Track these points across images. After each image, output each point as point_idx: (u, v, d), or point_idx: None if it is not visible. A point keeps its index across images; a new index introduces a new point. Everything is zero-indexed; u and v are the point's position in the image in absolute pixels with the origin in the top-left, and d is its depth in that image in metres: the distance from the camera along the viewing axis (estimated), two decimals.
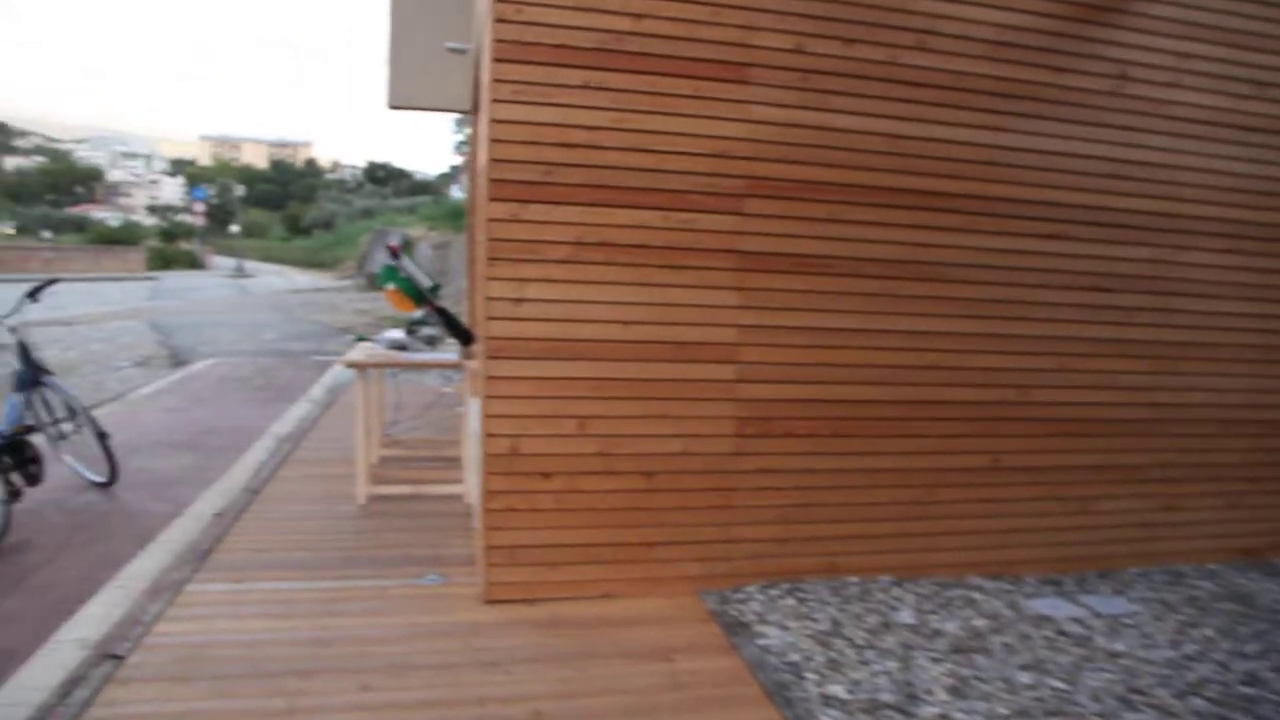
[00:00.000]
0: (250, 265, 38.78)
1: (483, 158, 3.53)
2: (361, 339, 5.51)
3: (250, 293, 25.59)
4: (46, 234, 49.96)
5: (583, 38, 3.48)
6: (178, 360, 11.27)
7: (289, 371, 10.14)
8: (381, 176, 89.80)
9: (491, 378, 3.52)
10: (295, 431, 6.71)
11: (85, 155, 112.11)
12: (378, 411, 5.85)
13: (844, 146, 3.78)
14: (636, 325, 3.65)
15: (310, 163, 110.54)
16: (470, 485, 4.98)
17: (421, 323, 5.50)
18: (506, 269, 3.49)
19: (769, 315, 3.78)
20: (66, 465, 5.12)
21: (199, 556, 4.03)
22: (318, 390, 8.76)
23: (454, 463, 5.83)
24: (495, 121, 3.43)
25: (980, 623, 3.59)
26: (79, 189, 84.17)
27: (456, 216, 39.25)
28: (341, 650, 3.16)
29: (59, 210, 66.03)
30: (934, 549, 4.10)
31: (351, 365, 4.80)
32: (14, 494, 4.31)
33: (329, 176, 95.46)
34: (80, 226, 52.87)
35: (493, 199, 3.45)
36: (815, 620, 3.53)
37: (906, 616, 3.61)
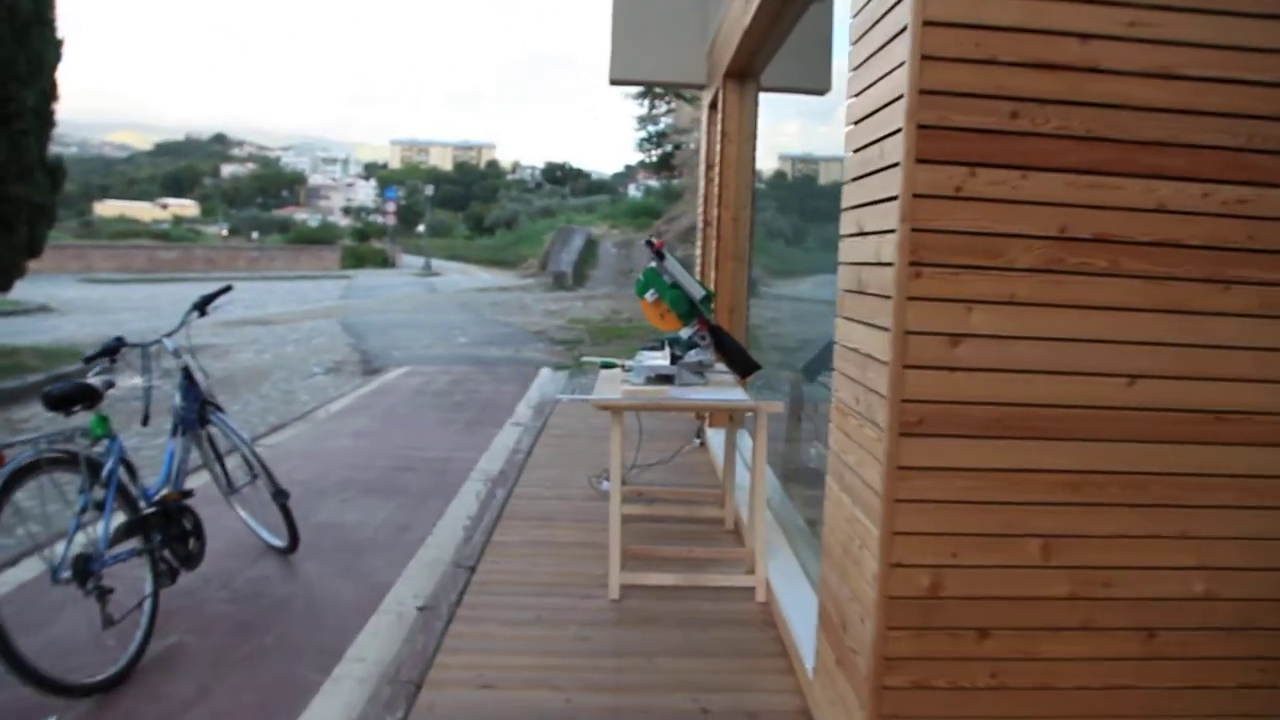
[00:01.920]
0: (437, 263, 39.31)
1: (898, 88, 2.02)
2: (609, 365, 4.14)
3: (438, 291, 25.41)
4: (255, 234, 52.83)
5: None
6: (370, 366, 10.48)
7: (488, 384, 9.07)
8: (559, 176, 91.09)
9: (902, 468, 2.01)
10: (506, 469, 5.48)
11: (290, 161, 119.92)
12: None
13: None
14: (1147, 381, 2.05)
15: (492, 164, 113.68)
16: (762, 574, 3.52)
17: (688, 344, 4.08)
18: (938, 283, 1.96)
19: None
20: (239, 520, 4.02)
21: (403, 692, 2.74)
22: (523, 410, 7.58)
23: (717, 528, 4.39)
24: (928, 25, 1.92)
25: None
26: (284, 193, 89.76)
27: (636, 214, 38.61)
28: None
29: (266, 212, 70.34)
30: None
31: (608, 407, 3.43)
32: (166, 576, 3.17)
33: (510, 177, 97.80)
34: (284, 228, 55.69)
35: (920, 159, 1.94)
36: None
37: None
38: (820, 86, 6.65)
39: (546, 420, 6.88)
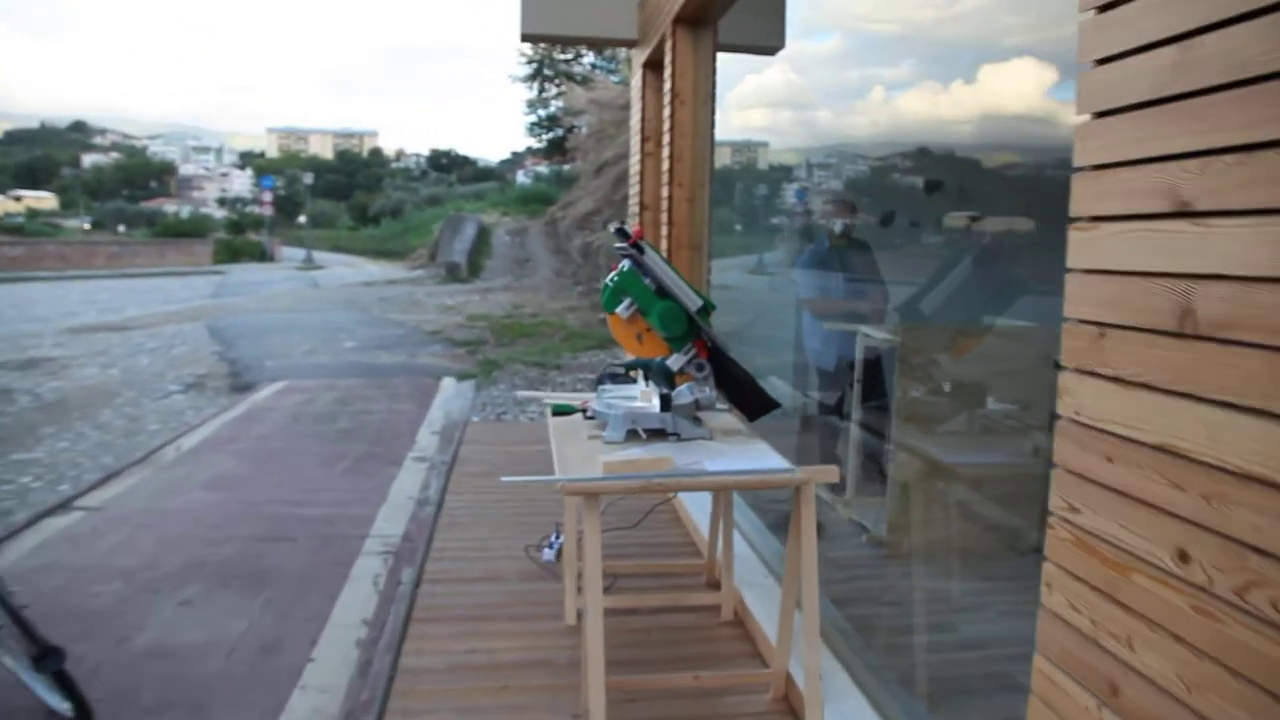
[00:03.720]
0: (319, 256, 36.94)
1: None
2: (563, 410, 2.88)
3: (321, 286, 23.46)
4: (121, 228, 49.04)
5: None
6: (239, 381, 8.91)
7: (381, 401, 7.67)
8: (445, 164, 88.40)
9: None
10: (412, 531, 4.20)
11: (159, 151, 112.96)
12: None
13: None
14: None
15: (375, 152, 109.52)
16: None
17: (662, 374, 2.88)
18: None
19: None
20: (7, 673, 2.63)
21: None
22: (427, 437, 6.25)
23: (712, 620, 3.23)
24: None
25: None
26: (153, 184, 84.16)
27: (528, 201, 37.08)
28: None
29: (133, 205, 65.52)
30: None
31: (585, 493, 2.20)
32: None
33: (394, 165, 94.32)
34: (153, 220, 51.89)
35: None
36: None
37: None
38: (773, 44, 5.56)
39: (457, 450, 5.58)
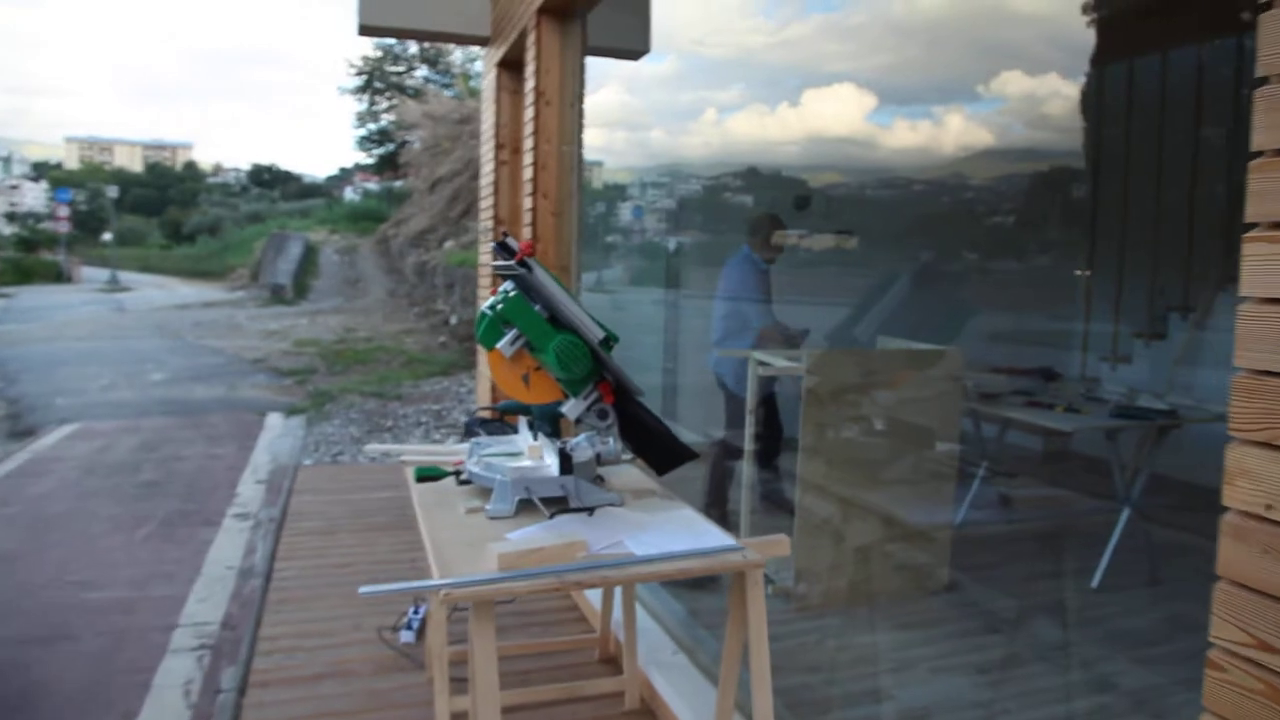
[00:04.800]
0: (126, 276, 34.00)
1: None
2: (430, 474, 2.23)
3: (127, 310, 21.34)
4: None
5: None
6: (19, 426, 7.64)
7: (194, 444, 6.69)
8: (268, 179, 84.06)
9: None
10: (235, 616, 3.44)
11: None
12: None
13: None
14: None
15: (190, 165, 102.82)
16: None
17: (548, 418, 2.33)
18: None
19: None
20: None
21: None
22: (250, 486, 5.40)
23: (614, 709, 2.68)
24: None
25: None
26: None
27: (358, 219, 35.48)
28: None
29: None
30: None
31: (471, 599, 1.61)
32: None
33: (211, 180, 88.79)
34: None
35: None
36: None
37: None
38: (639, 47, 5.15)
39: (287, 503, 4.79)
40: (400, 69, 35.19)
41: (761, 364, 3.72)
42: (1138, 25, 5.85)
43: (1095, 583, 3.89)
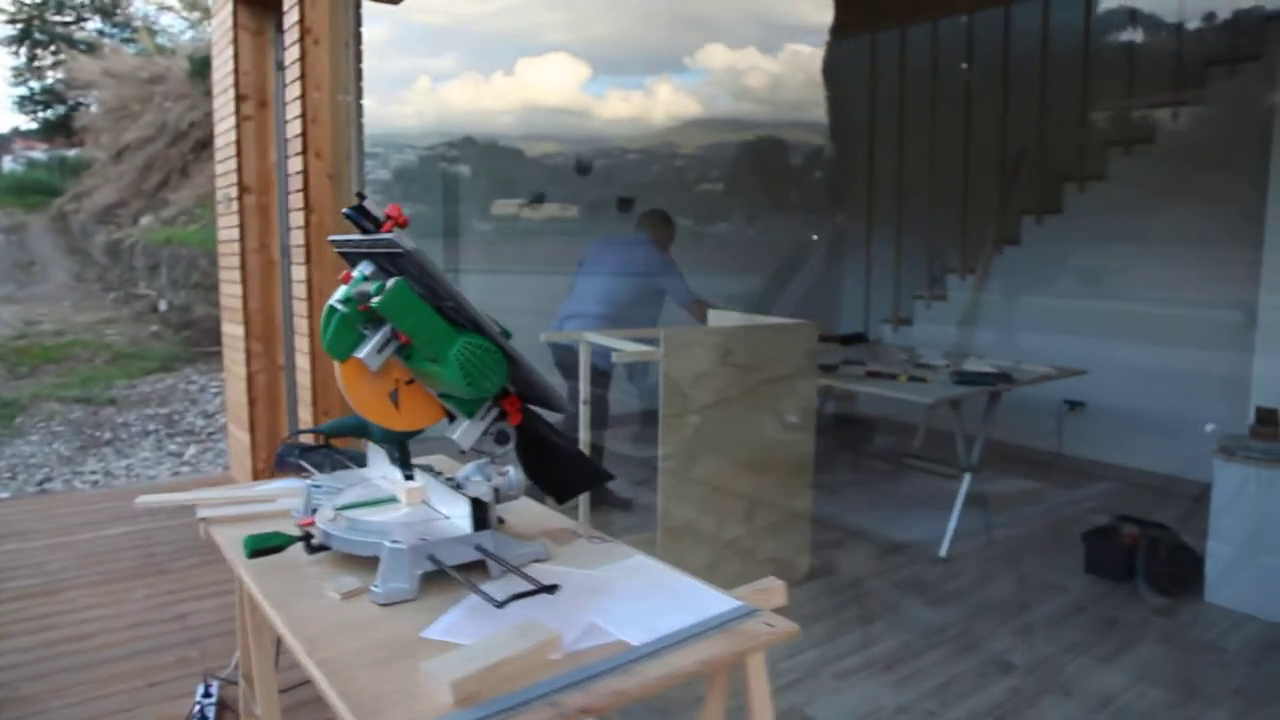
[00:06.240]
0: None
1: None
2: (268, 544, 1.55)
3: None
4: None
5: None
6: None
7: None
8: None
9: None
10: None
11: None
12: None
13: None
14: None
15: None
16: None
17: (395, 442, 1.75)
18: None
19: None
20: None
21: None
22: None
23: None
24: None
25: None
26: None
27: (23, 192, 30.70)
28: None
29: None
30: None
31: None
32: None
33: None
34: None
35: None
36: None
37: None
38: None
39: None
40: (68, 19, 30.71)
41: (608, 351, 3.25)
42: None
43: (943, 552, 3.82)
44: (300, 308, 3.69)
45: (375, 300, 1.38)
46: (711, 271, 6.48)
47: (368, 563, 1.45)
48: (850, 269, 6.90)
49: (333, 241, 1.62)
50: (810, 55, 7.13)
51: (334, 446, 2.05)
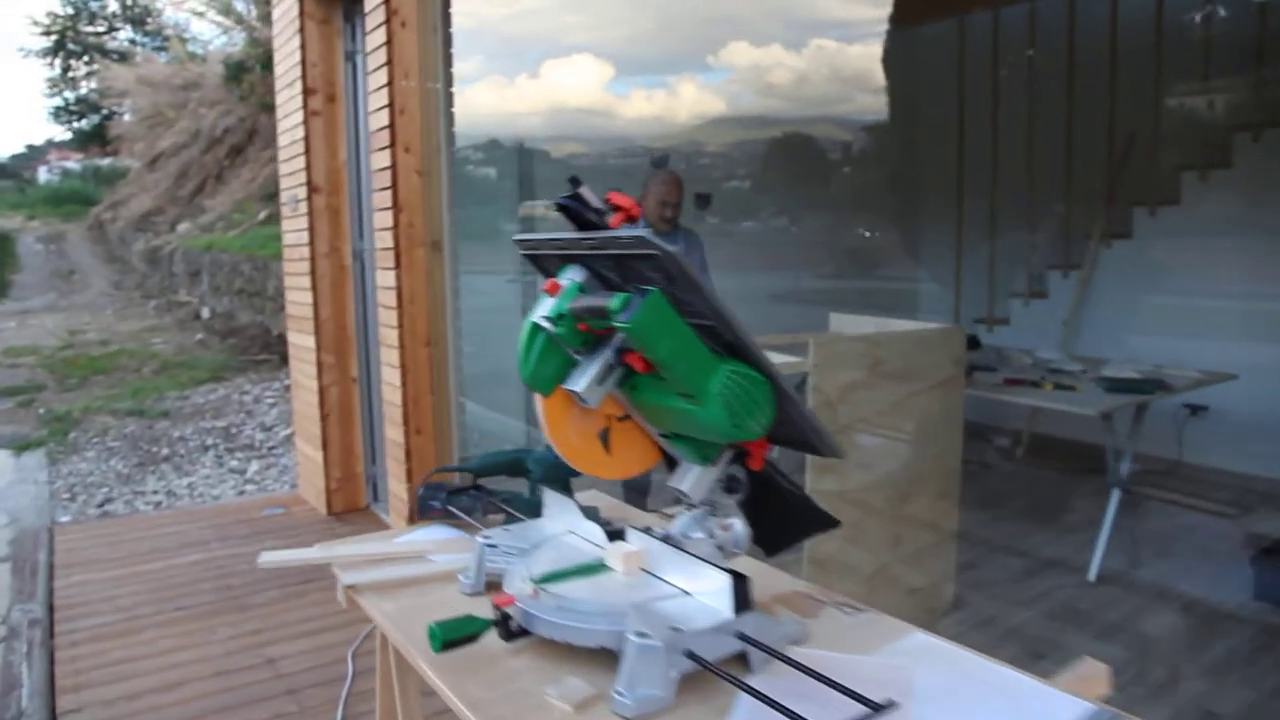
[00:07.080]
0: None
1: None
2: (464, 635, 1.22)
3: None
4: None
5: None
6: None
7: None
8: None
9: None
10: None
11: None
12: None
13: None
14: None
15: None
16: None
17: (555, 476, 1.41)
18: None
19: None
20: None
21: None
22: None
23: None
24: None
25: None
26: None
27: (61, 202, 31.01)
28: None
29: None
30: None
31: None
32: None
33: None
34: None
35: None
36: None
37: None
38: None
39: (50, 590, 3.43)
40: (100, 29, 30.85)
41: None
42: None
43: (1093, 575, 3.47)
44: (389, 316, 3.38)
45: (621, 319, 1.04)
46: (744, 270, 6.22)
47: (580, 653, 1.12)
48: (931, 265, 6.52)
49: (523, 241, 1.28)
50: (835, 50, 7.00)
51: (479, 488, 1.74)
